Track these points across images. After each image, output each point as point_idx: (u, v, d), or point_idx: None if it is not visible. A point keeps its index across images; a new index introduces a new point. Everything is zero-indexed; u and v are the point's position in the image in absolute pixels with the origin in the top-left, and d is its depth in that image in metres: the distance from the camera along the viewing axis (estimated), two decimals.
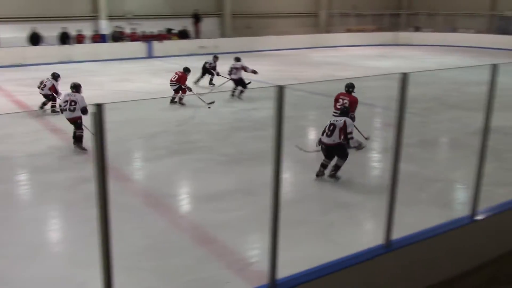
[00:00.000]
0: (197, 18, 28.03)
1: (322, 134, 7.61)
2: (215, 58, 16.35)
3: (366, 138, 9.47)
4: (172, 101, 13.33)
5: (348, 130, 7.45)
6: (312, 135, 11.30)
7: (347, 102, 8.98)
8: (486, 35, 30.57)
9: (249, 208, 6.67)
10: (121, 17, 26.24)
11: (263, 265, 3.87)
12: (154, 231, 6.07)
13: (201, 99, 12.98)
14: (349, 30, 32.67)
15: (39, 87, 12.36)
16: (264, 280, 3.75)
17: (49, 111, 12.35)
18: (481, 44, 29.38)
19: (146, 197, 7.31)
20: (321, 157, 7.79)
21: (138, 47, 25.01)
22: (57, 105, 12.07)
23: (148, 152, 9.62)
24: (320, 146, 7.66)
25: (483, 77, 4.81)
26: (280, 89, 3.39)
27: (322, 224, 6.26)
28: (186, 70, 13.59)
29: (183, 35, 27.28)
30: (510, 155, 9.04)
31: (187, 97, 13.31)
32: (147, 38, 25.76)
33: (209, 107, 12.83)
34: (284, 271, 3.81)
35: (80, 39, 24.35)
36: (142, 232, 6.00)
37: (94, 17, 25.80)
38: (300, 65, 22.65)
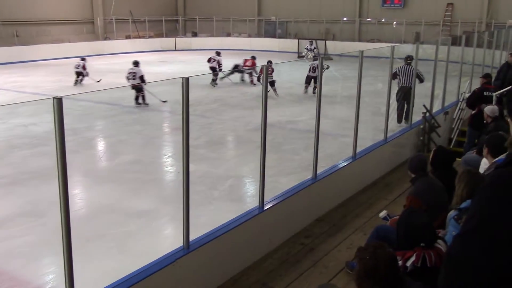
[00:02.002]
0: None
1: None
2: None
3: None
4: None
5: None
6: (101, 146, 10.91)
7: None
8: (256, 39, 33.33)
9: (38, 232, 6.14)
10: None
11: None
12: None
13: None
14: (128, 37, 32.32)
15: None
16: None
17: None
18: (253, 47, 31.85)
19: None
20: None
21: None
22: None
23: None
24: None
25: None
26: (59, 101, 3.18)
27: (120, 237, 6.08)
28: None
29: None
30: (288, 147, 9.98)
31: None
32: None
33: None
34: None
35: None
36: None
37: None
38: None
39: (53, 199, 3.74)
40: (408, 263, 3.33)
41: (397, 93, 10.65)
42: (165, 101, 13.78)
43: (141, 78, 14.26)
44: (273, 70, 15.20)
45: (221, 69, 18.13)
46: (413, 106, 9.60)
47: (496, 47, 15.34)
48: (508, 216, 1.36)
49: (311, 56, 24.42)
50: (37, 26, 28.35)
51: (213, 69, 18.28)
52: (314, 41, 27.01)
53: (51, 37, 28.31)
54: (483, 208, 1.44)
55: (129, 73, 14.44)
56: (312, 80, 15.61)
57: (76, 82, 17.93)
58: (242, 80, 18.68)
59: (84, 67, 18.11)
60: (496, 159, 4.69)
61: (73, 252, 3.44)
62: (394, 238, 3.72)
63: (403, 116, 10.53)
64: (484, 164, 4.93)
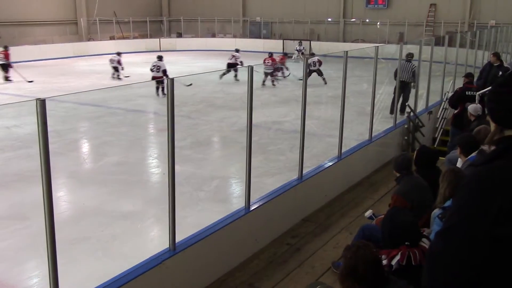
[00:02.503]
0: None
1: None
2: None
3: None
4: None
5: None
6: (86, 148, 10.82)
7: None
8: (241, 39, 33.33)
9: (22, 235, 6.06)
10: None
11: None
12: None
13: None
14: (112, 38, 32.10)
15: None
16: None
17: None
18: (238, 47, 31.79)
19: None
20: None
21: None
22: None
23: None
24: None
25: (242, 78, 5.19)
26: (42, 102, 3.15)
27: (104, 239, 6.03)
28: None
29: None
30: (273, 147, 9.99)
31: None
32: None
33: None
34: None
35: None
36: None
37: None
38: (65, 75, 21.38)
39: (37, 201, 3.70)
40: (393, 262, 3.35)
41: (395, 87, 10.63)
42: (190, 84, 14.60)
43: (164, 71, 15.96)
44: (320, 63, 17.54)
45: (242, 64, 19.17)
46: (408, 100, 9.64)
47: (479, 47, 15.53)
48: (487, 212, 1.38)
49: (300, 56, 25.16)
50: (19, 27, 28.01)
51: (231, 65, 19.36)
52: (302, 42, 27.65)
53: (34, 38, 28.00)
54: (464, 205, 1.47)
55: (153, 66, 16.21)
56: (315, 73, 17.18)
57: (114, 76, 19.45)
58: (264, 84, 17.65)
59: (119, 62, 19.48)
60: (469, 157, 4.79)
61: (57, 255, 3.41)
62: (379, 237, 3.75)
63: (399, 109, 10.55)
64: (459, 163, 5.03)
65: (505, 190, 1.38)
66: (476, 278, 1.40)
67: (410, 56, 11.48)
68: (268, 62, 17.68)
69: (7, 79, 18.59)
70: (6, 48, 18.77)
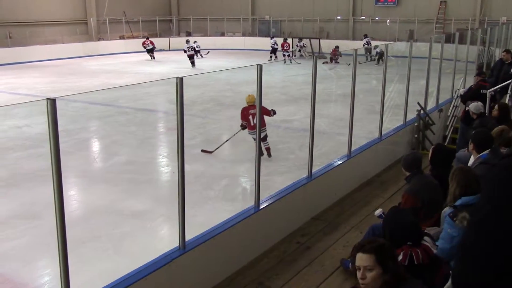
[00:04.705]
0: None
1: None
2: None
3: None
4: None
5: None
6: (96, 147, 10.89)
7: None
8: (250, 38, 33.32)
9: (33, 234, 6.12)
10: None
11: None
12: None
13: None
14: (122, 37, 32.23)
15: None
16: None
17: None
18: (247, 46, 31.90)
19: None
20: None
21: None
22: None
23: None
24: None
25: (252, 77, 5.19)
26: (53, 102, 3.16)
27: (115, 237, 6.07)
28: None
29: None
30: (283, 146, 9.98)
31: None
32: None
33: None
34: None
35: None
36: None
37: None
38: (75, 75, 21.54)
39: (48, 200, 3.72)
40: None
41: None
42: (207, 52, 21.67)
43: (194, 49, 24.20)
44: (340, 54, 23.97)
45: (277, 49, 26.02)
46: None
47: (490, 44, 15.40)
48: None
49: (300, 51, 27.42)
50: (30, 27, 28.22)
51: (273, 50, 26.28)
52: (302, 39, 28.37)
53: (45, 38, 28.20)
54: (494, 196, 1.45)
55: (187, 47, 23.85)
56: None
57: (193, 64, 23.71)
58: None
59: (194, 49, 24.57)
60: (480, 154, 4.75)
61: (68, 253, 3.43)
62: None
63: None
64: (471, 160, 4.98)
65: None
66: (506, 270, 1.38)
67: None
68: (286, 46, 25.41)
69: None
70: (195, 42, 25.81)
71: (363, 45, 26.32)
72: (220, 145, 9.41)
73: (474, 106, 7.37)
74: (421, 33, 28.07)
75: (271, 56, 26.20)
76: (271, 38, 27.41)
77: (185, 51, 24.17)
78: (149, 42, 27.15)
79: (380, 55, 23.03)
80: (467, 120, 8.51)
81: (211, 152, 9.25)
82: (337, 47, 24.94)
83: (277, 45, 26.11)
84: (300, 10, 32.69)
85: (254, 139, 7.91)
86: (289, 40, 27.04)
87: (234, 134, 9.30)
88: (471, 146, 4.95)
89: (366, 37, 27.61)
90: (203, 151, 9.29)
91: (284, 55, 25.17)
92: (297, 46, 27.70)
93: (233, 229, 4.97)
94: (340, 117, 10.87)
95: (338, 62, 23.98)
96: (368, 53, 24.87)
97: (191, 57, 23.86)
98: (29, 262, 5.55)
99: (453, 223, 3.59)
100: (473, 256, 1.45)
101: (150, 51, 26.80)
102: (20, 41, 26.89)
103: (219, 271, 4.90)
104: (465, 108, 9.03)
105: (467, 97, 9.15)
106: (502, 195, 1.43)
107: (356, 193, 7.16)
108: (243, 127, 8.92)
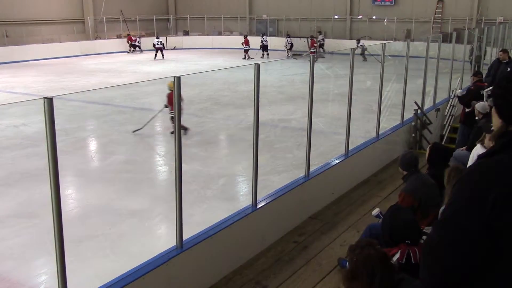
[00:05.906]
0: None
1: None
2: None
3: None
4: None
5: None
6: (93, 146, 10.87)
7: None
8: (248, 37, 33.17)
9: (30, 233, 6.10)
10: None
11: None
12: None
13: None
14: (119, 36, 32.17)
15: None
16: None
17: None
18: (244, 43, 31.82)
19: None
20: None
21: None
22: None
23: None
24: None
25: (249, 76, 5.19)
26: (50, 101, 3.16)
27: (112, 237, 6.06)
28: None
29: None
30: (281, 145, 9.98)
31: None
32: None
33: None
34: None
35: None
36: None
37: None
38: (72, 73, 21.48)
39: (45, 200, 3.72)
40: (393, 260, 3.34)
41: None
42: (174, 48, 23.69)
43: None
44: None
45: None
46: None
47: (487, 44, 15.42)
48: (481, 205, 1.38)
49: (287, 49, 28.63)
50: (27, 26, 28.15)
51: (264, 47, 27.41)
52: (290, 35, 29.64)
53: (41, 37, 28.14)
54: (458, 197, 1.48)
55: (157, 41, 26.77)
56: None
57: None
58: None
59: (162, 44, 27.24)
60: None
61: (66, 252, 3.43)
62: None
63: None
64: (472, 159, 4.98)
65: (500, 183, 1.38)
66: (472, 268, 1.40)
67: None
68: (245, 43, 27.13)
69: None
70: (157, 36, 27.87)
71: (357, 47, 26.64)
72: (147, 123, 10.76)
73: (481, 106, 7.37)
74: (418, 33, 28.11)
75: (263, 54, 27.03)
76: (262, 36, 28.24)
77: (154, 45, 26.92)
78: (135, 39, 30.17)
79: (363, 50, 23.31)
80: (468, 122, 8.52)
81: (140, 129, 10.62)
82: (319, 33, 27.15)
83: (267, 42, 27.53)
84: (297, 9, 32.69)
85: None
86: (249, 37, 28.67)
87: (159, 111, 10.89)
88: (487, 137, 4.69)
89: (358, 42, 27.58)
90: (134, 131, 10.61)
91: (245, 51, 27.12)
92: (286, 44, 28.49)
93: (230, 229, 4.97)
94: (338, 116, 10.87)
95: (319, 53, 25.59)
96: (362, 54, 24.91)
97: (160, 50, 26.71)
98: (26, 261, 5.54)
99: None
100: (436, 257, 1.47)
101: (133, 46, 29.99)
102: (17, 40, 26.82)
103: (216, 270, 4.90)
104: (465, 110, 9.04)
105: (467, 99, 9.14)
106: (465, 198, 1.46)
107: (353, 193, 7.17)
108: (165, 106, 10.54)
